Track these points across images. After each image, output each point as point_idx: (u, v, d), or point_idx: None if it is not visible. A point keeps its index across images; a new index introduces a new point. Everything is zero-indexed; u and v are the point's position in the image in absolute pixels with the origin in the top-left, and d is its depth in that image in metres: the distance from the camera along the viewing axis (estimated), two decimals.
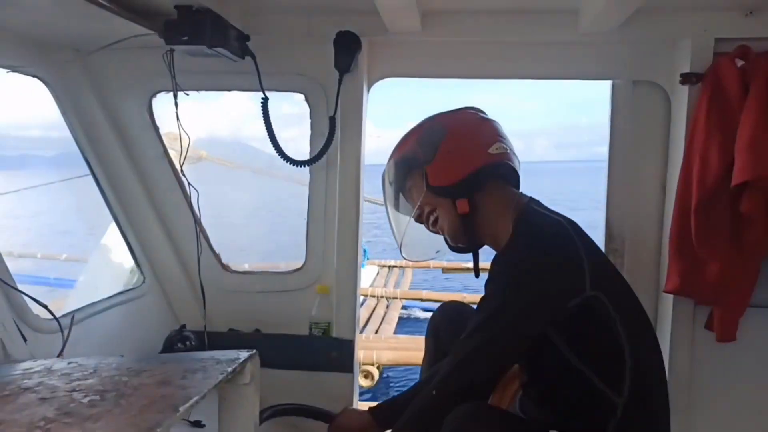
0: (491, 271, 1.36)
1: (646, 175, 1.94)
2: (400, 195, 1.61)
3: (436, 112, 1.61)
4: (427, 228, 1.56)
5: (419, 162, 1.49)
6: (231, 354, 0.96)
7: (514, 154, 1.50)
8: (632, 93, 1.91)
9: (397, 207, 1.63)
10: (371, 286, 7.55)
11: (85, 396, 0.80)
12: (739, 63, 1.65)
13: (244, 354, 0.96)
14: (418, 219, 1.55)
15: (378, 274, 8.23)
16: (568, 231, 1.34)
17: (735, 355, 1.87)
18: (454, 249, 1.59)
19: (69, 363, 0.97)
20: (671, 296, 1.85)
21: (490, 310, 1.31)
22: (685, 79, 1.77)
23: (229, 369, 0.89)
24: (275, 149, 1.89)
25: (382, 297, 7.01)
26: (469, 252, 1.60)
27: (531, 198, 1.47)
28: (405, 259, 1.72)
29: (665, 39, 1.82)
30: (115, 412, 0.74)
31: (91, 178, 1.99)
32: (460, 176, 1.44)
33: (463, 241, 1.53)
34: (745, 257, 1.72)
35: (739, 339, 1.80)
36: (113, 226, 2.66)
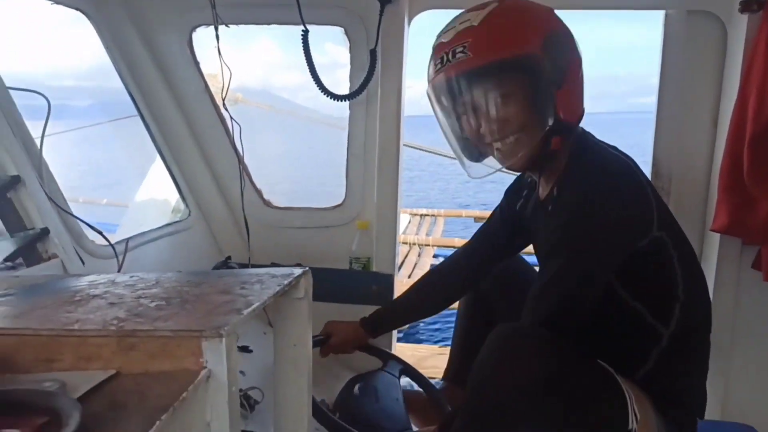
0: (549, 211, 1.29)
1: (697, 110, 1.87)
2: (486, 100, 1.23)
3: None
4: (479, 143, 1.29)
5: (544, 79, 1.19)
6: (285, 270, 0.99)
7: None
8: (686, 23, 1.82)
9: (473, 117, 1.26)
10: (404, 233, 7.59)
11: (152, 301, 0.83)
12: None
13: (297, 270, 0.98)
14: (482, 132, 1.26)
15: (410, 222, 8.25)
16: (633, 168, 1.24)
17: None
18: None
19: (131, 276, 1.01)
20: (718, 235, 1.82)
21: (561, 264, 1.19)
22: (745, 6, 1.68)
23: (285, 282, 0.91)
24: (316, 83, 1.88)
25: (414, 244, 7.05)
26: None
27: (584, 130, 1.33)
28: (470, 176, 1.36)
29: None
30: (181, 314, 0.77)
31: (124, 125, 2.02)
32: (581, 114, 1.27)
33: (527, 169, 1.35)
34: None
35: None
36: (154, 166, 2.73)
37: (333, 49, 2.03)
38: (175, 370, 0.70)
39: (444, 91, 1.26)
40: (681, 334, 1.23)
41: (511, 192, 1.59)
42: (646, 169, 1.92)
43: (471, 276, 1.71)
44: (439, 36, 1.26)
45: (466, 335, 1.81)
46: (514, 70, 1.20)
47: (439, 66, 1.23)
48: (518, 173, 1.51)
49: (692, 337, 1.28)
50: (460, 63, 1.19)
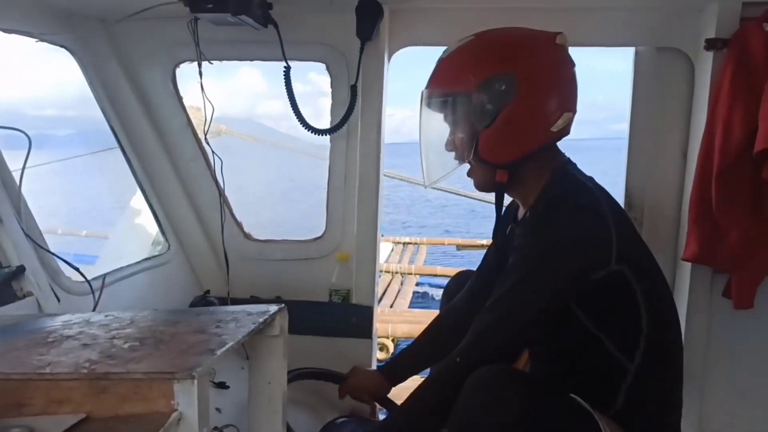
0: (517, 234, 1.35)
1: (667, 142, 1.93)
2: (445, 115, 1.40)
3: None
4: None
5: (474, 117, 1.31)
6: (261, 307, 1.00)
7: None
8: (655, 60, 1.89)
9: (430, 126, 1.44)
10: (386, 262, 7.60)
11: (125, 342, 0.84)
12: (767, 27, 1.63)
13: (273, 308, 0.99)
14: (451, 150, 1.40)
15: (392, 250, 8.27)
16: (599, 201, 1.27)
17: (751, 322, 1.87)
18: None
19: (106, 316, 1.01)
20: (689, 264, 1.86)
21: (512, 282, 1.26)
22: (710, 44, 1.75)
23: (260, 320, 0.92)
24: (297, 118, 1.91)
25: (396, 273, 7.06)
26: None
27: (568, 159, 1.38)
28: (425, 183, 1.47)
29: (691, 4, 1.80)
30: (155, 355, 0.77)
31: (104, 157, 2.03)
32: (511, 157, 1.33)
33: (490, 191, 1.43)
34: (765, 225, 1.72)
35: (756, 307, 1.80)
36: (134, 199, 2.73)
37: (316, 78, 2.06)
38: (146, 413, 0.70)
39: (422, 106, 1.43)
40: (648, 370, 1.23)
41: (503, 218, 1.59)
42: (620, 199, 1.98)
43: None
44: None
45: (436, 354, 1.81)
46: (451, 105, 1.36)
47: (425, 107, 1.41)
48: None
49: (660, 373, 1.28)
50: (426, 89, 1.39)
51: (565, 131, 1.33)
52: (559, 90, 1.33)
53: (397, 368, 1.72)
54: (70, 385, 0.72)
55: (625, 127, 2.01)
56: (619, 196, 1.98)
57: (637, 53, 1.93)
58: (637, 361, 1.23)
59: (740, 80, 1.67)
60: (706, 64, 1.80)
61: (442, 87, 1.37)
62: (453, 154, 1.38)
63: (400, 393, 2.70)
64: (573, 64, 1.35)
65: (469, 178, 1.41)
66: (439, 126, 1.39)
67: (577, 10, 1.85)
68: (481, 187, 1.41)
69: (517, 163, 1.33)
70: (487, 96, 1.28)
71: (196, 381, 0.69)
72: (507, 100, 1.27)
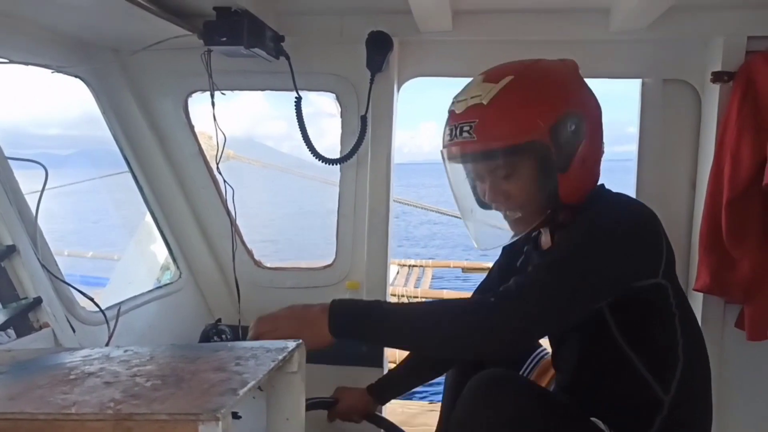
0: (570, 224, 1.24)
1: (675, 174, 1.94)
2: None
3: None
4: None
5: (547, 165, 1.20)
6: (279, 343, 1.00)
7: None
8: (662, 92, 1.91)
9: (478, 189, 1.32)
10: (392, 285, 7.59)
11: (147, 380, 0.84)
12: None
13: (291, 344, 0.99)
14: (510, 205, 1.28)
15: (398, 273, 8.26)
16: (653, 212, 1.23)
17: (765, 354, 1.86)
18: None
19: (125, 351, 1.01)
20: (701, 294, 1.86)
21: (558, 255, 1.18)
22: (717, 77, 1.78)
23: (280, 357, 0.92)
24: (308, 148, 1.93)
25: (402, 296, 7.04)
26: None
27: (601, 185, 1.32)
28: (480, 249, 1.40)
29: (697, 37, 1.83)
30: (178, 395, 0.78)
31: (112, 179, 2.05)
32: (586, 194, 1.26)
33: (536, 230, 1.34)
34: None
35: None
36: (143, 224, 2.75)
37: (318, 99, 2.10)
38: None
39: (452, 162, 1.31)
40: (682, 403, 1.19)
41: (511, 249, 1.55)
42: None
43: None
44: (453, 101, 1.28)
45: (455, 390, 1.80)
46: (516, 155, 1.20)
47: (448, 139, 1.26)
48: None
49: (694, 404, 1.24)
50: (465, 143, 1.22)
51: None
52: (601, 117, 1.29)
53: (384, 387, 1.71)
54: (96, 425, 0.72)
55: (626, 149, 2.02)
56: None
57: (643, 84, 1.96)
58: (674, 392, 1.18)
59: (747, 112, 1.70)
60: (713, 96, 1.82)
61: (501, 139, 1.19)
62: (505, 208, 1.27)
63: (408, 420, 2.69)
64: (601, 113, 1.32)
65: (510, 226, 1.29)
66: (484, 182, 1.27)
67: (584, 42, 1.88)
68: (528, 228, 1.28)
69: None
70: (561, 139, 1.18)
71: (220, 423, 0.69)
72: (579, 139, 1.20)
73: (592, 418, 1.19)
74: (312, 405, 1.75)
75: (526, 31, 1.86)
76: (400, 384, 1.75)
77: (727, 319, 1.86)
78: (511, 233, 1.30)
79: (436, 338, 1.14)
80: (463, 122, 1.22)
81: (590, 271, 1.13)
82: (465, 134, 1.21)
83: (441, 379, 1.78)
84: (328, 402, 1.73)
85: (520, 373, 1.58)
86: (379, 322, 1.19)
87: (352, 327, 1.21)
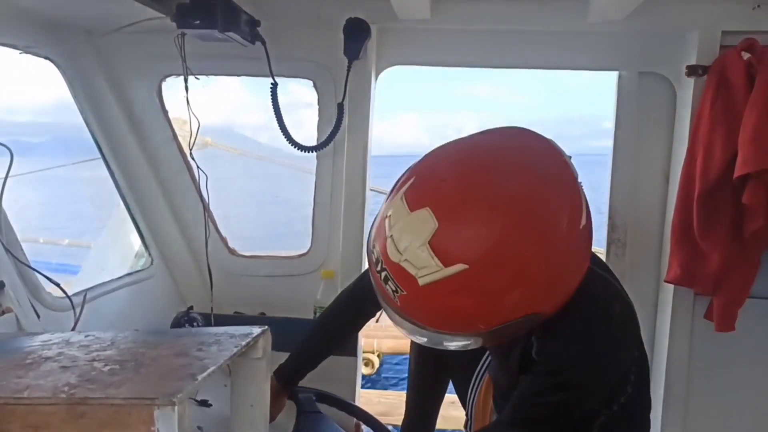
0: (534, 357, 1.17)
1: (649, 165, 1.96)
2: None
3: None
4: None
5: (485, 341, 1.11)
6: (244, 329, 0.99)
7: None
8: (638, 84, 1.92)
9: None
10: None
11: (105, 365, 0.83)
12: (746, 56, 1.67)
13: (256, 329, 0.98)
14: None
15: None
16: (628, 323, 1.20)
17: (733, 345, 1.89)
18: None
19: (86, 336, 1.00)
20: (672, 286, 1.88)
21: (539, 413, 1.18)
22: (691, 71, 1.79)
23: (243, 343, 0.91)
24: (284, 135, 1.91)
25: None
26: None
27: None
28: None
29: (672, 31, 1.84)
30: (135, 380, 0.77)
31: (86, 167, 2.01)
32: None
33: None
34: (745, 248, 1.75)
35: (738, 329, 1.82)
36: (117, 211, 2.71)
37: (296, 89, 2.07)
38: None
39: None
40: (621, 412, 1.24)
41: None
42: (603, 218, 2.00)
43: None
44: (389, 222, 1.03)
45: (419, 381, 1.80)
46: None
47: (375, 268, 1.08)
48: None
49: (634, 411, 1.30)
50: (386, 298, 1.09)
51: None
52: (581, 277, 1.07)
53: (293, 369, 1.58)
54: (48, 410, 0.71)
55: (601, 143, 2.03)
56: (602, 212, 2.01)
57: (620, 77, 1.96)
58: (615, 408, 1.23)
59: (720, 106, 1.71)
60: (687, 90, 1.83)
61: (425, 323, 1.06)
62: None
63: (389, 410, 2.69)
64: (591, 236, 1.10)
65: None
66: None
67: (561, 34, 1.88)
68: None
69: None
70: (502, 332, 1.04)
71: (176, 407, 0.68)
72: (528, 325, 1.06)
73: None
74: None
75: (505, 20, 1.85)
76: (311, 360, 1.61)
77: (697, 310, 1.89)
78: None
79: None
80: (392, 277, 1.02)
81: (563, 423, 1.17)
82: (389, 288, 1.04)
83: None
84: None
85: (473, 380, 1.58)
86: None
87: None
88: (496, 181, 1.00)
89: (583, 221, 1.01)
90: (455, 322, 1.02)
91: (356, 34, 1.84)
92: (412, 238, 0.97)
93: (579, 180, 1.05)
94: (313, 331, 1.66)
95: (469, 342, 1.08)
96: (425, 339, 1.12)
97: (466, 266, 0.94)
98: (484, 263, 0.95)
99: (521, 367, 1.22)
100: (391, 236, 1.00)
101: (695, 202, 1.73)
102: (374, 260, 1.07)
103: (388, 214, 1.03)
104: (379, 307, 1.52)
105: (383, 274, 1.03)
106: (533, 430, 1.19)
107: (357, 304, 1.59)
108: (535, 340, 1.15)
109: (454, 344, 1.10)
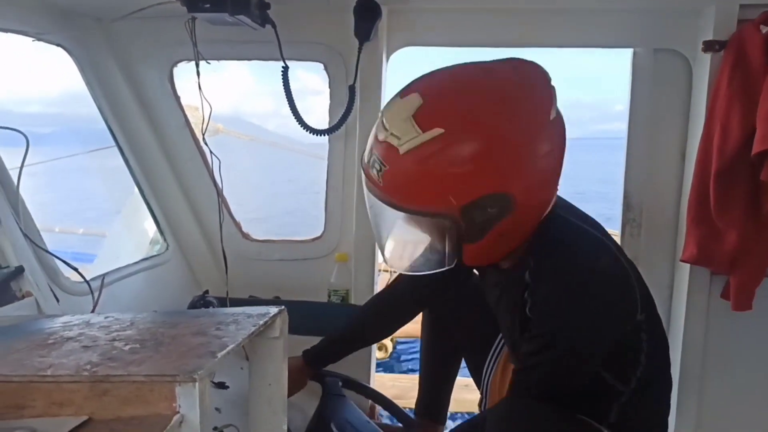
0: (529, 315, 1.19)
1: (665, 144, 1.93)
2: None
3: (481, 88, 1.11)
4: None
5: (454, 232, 1.13)
6: (261, 309, 0.99)
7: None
8: (653, 61, 1.89)
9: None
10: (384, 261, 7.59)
11: (126, 344, 0.84)
12: (764, 29, 1.64)
13: (273, 309, 0.99)
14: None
15: None
16: (614, 254, 1.19)
17: (750, 324, 1.88)
18: None
19: (106, 317, 1.01)
20: (687, 265, 1.87)
21: (537, 377, 1.19)
22: (708, 46, 1.76)
23: (261, 322, 0.92)
24: (295, 118, 1.91)
25: (395, 271, 7.05)
26: None
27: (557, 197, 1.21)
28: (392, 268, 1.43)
29: (688, 6, 1.80)
30: (156, 358, 0.77)
31: (100, 155, 2.02)
32: (501, 257, 1.23)
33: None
34: (763, 226, 1.72)
35: (755, 308, 1.80)
36: (132, 198, 2.73)
37: (304, 76, 2.06)
38: (147, 415, 0.70)
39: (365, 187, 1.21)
40: (641, 390, 1.23)
41: None
42: (618, 202, 1.98)
43: (423, 296, 1.67)
44: (384, 111, 1.15)
45: (431, 364, 1.82)
46: (417, 219, 1.15)
47: (365, 160, 1.17)
48: None
49: (653, 389, 1.28)
50: (372, 184, 1.15)
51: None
52: (555, 181, 1.14)
53: (320, 355, 1.66)
54: (71, 387, 0.72)
55: (610, 126, 2.01)
56: (617, 194, 2.00)
57: (635, 54, 1.93)
58: (633, 385, 1.23)
59: (738, 82, 1.68)
60: (703, 66, 1.80)
61: (405, 200, 1.10)
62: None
63: (402, 393, 2.71)
64: (565, 137, 1.15)
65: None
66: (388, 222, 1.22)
67: (575, 11, 1.86)
68: (434, 272, 1.22)
69: None
70: (474, 217, 1.09)
71: (197, 384, 0.69)
72: (500, 217, 1.09)
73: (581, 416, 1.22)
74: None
75: None
76: (343, 349, 1.68)
77: (713, 289, 1.87)
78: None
79: None
80: (378, 156, 1.11)
81: (573, 377, 1.19)
82: (375, 171, 1.12)
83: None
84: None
85: (488, 359, 1.58)
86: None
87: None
88: (480, 75, 1.13)
89: (553, 114, 1.10)
90: (429, 193, 1.07)
91: (367, 15, 1.82)
92: (398, 114, 1.09)
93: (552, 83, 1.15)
94: (354, 327, 1.71)
95: (443, 236, 1.14)
96: (402, 233, 1.20)
97: (442, 131, 1.04)
98: (458, 128, 1.05)
99: (522, 330, 1.24)
100: (382, 121, 1.12)
101: (712, 180, 1.71)
102: (366, 160, 1.16)
103: (382, 110, 1.16)
104: (414, 315, 1.70)
105: (372, 158, 1.12)
106: (540, 396, 1.17)
107: (397, 312, 1.69)
108: (528, 297, 1.19)
109: (429, 239, 1.17)
